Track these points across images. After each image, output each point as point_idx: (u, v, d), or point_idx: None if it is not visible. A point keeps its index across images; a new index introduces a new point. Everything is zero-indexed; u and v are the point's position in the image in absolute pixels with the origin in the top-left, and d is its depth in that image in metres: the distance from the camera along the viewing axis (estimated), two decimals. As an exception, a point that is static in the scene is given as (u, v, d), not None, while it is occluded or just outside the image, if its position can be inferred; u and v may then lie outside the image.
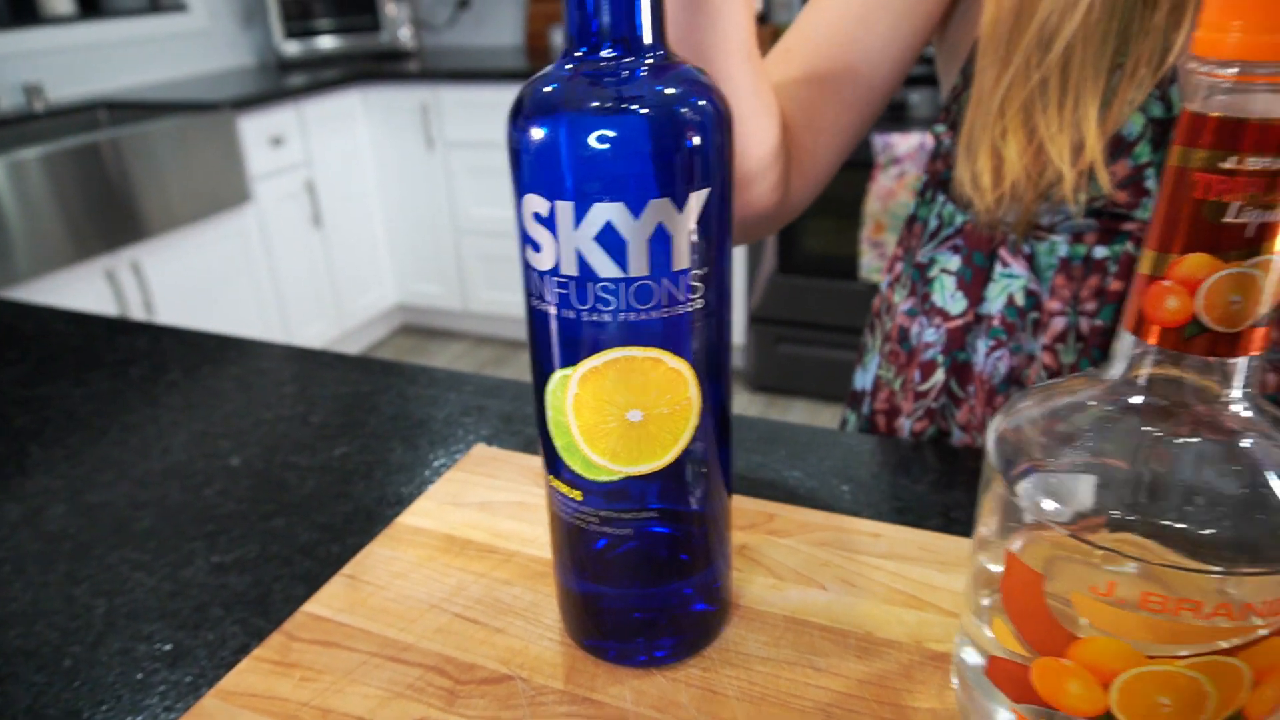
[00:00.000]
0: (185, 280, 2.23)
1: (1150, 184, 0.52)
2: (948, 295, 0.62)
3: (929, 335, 0.64)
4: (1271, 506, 0.27)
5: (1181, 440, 0.28)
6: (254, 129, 2.34)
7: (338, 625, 0.42)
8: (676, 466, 0.34)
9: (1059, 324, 0.56)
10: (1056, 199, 0.52)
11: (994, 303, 0.59)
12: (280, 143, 2.43)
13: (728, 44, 0.49)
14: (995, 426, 0.31)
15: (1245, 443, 0.28)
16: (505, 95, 2.44)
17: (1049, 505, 0.28)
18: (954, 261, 0.62)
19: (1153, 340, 0.27)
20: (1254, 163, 0.24)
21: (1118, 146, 0.51)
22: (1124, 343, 0.28)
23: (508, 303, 2.72)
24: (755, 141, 0.53)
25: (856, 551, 0.46)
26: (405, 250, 2.82)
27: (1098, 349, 0.55)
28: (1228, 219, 0.25)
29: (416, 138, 2.61)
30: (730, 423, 0.38)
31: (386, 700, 0.38)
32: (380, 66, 2.69)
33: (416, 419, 0.63)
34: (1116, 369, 0.29)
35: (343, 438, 0.61)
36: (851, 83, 0.59)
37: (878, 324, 0.73)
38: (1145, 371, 0.28)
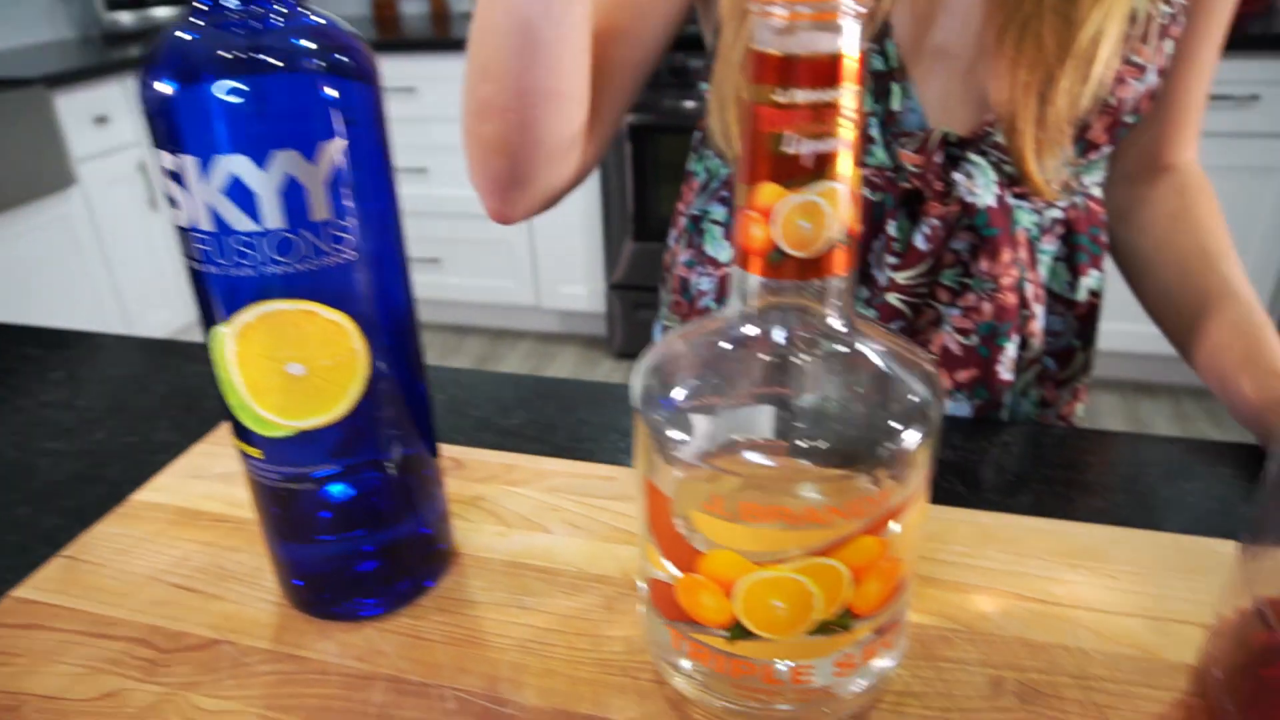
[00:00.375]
0: (2, 272, 2.09)
1: (874, 132, 0.55)
2: (717, 244, 0.65)
3: (704, 284, 0.66)
4: (856, 414, 0.29)
5: (790, 360, 0.30)
6: (74, 107, 2.20)
7: (46, 607, 0.41)
8: (353, 420, 0.35)
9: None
10: None
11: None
12: (106, 122, 2.29)
13: (575, 31, 0.50)
14: (638, 367, 0.33)
15: (843, 358, 0.30)
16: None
17: (674, 435, 0.30)
18: (721, 212, 0.64)
19: (750, 269, 0.29)
20: (804, 96, 0.26)
21: None
22: (735, 276, 0.30)
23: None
24: (567, 119, 0.54)
25: (588, 495, 0.47)
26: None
27: None
28: (787, 149, 0.26)
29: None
30: (422, 373, 0.38)
31: (82, 676, 0.37)
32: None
33: (188, 398, 0.61)
34: (734, 303, 0.30)
35: (107, 421, 0.59)
36: (629, 43, 0.60)
37: (667, 277, 0.75)
38: (754, 302, 0.30)
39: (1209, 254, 0.58)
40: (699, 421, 0.30)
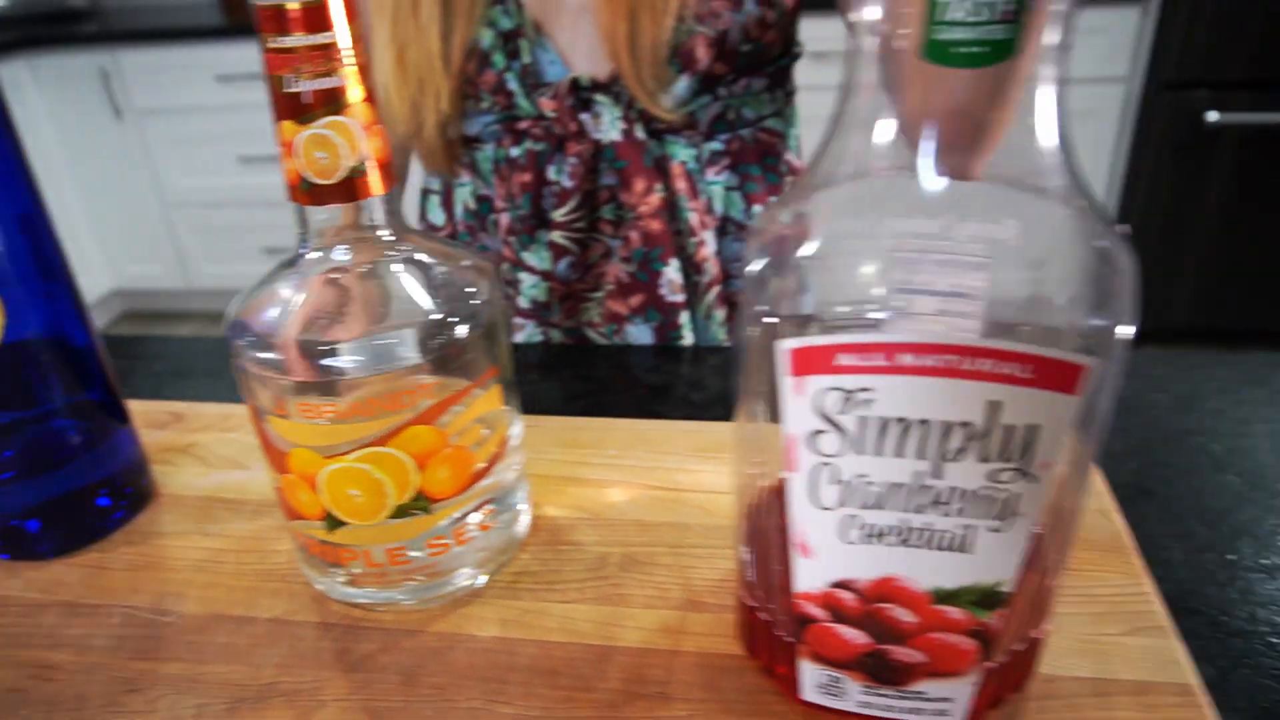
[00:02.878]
0: None
1: (513, 86, 0.59)
2: (435, 211, 0.69)
3: None
4: (406, 313, 0.33)
5: (348, 273, 0.34)
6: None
7: None
8: (-3, 368, 0.38)
9: (504, 220, 0.63)
10: (445, 113, 0.59)
11: (456, 209, 0.65)
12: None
13: None
14: (230, 305, 0.36)
15: (394, 266, 0.34)
16: (200, 57, 2.32)
17: (248, 353, 0.33)
18: (435, 182, 0.69)
19: (295, 200, 0.33)
20: (289, 41, 0.30)
21: (481, 59, 0.58)
22: (294, 210, 0.34)
23: (235, 275, 2.61)
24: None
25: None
26: (112, 232, 2.65)
27: (526, 235, 0.62)
28: (291, 89, 0.30)
29: (102, 108, 2.43)
30: (86, 330, 0.41)
31: None
32: (50, 29, 2.48)
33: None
34: (299, 232, 0.34)
35: None
36: None
37: None
38: (313, 228, 0.34)
39: None
40: (269, 337, 0.34)
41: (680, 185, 0.61)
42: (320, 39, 0.30)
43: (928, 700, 0.30)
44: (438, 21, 0.55)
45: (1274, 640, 0.35)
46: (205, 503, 0.46)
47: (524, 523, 0.41)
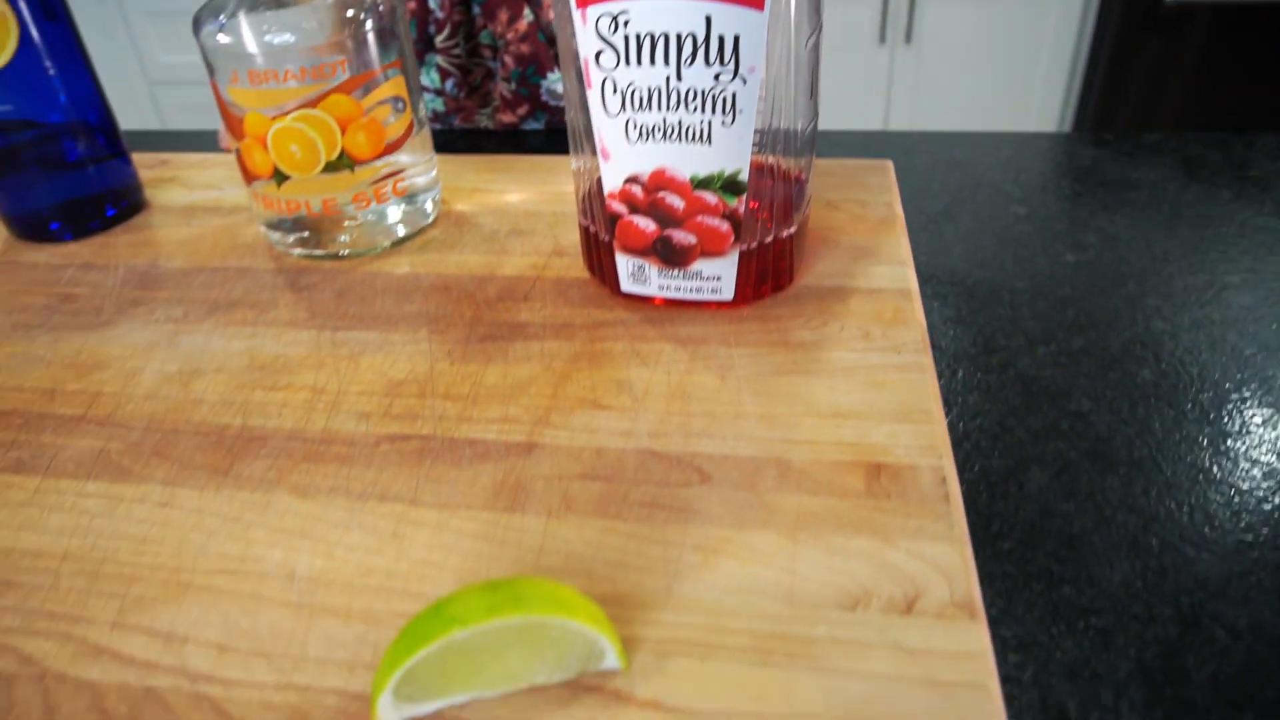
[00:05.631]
0: None
1: None
2: None
3: None
4: (321, 7, 0.44)
5: (283, -15, 0.45)
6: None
7: None
8: (12, 71, 0.49)
9: (438, 2, 0.72)
10: None
11: None
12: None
13: None
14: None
15: (319, -19, 0.45)
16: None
17: (210, 38, 0.44)
18: None
19: (242, -84, 0.43)
20: None
21: None
22: (242, -75, 0.44)
23: (224, 146, 2.68)
24: None
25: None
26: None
27: (417, 58, 0.72)
28: None
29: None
30: (78, 51, 0.52)
31: None
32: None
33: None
34: (251, -53, 0.45)
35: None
36: None
37: None
38: (258, -57, 0.44)
39: None
40: (219, 26, 0.45)
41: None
42: None
43: (704, 279, 0.42)
44: None
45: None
46: (188, 209, 0.57)
47: (434, 209, 0.53)
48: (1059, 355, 0.46)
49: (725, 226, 0.40)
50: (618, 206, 0.41)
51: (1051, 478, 0.40)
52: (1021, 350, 0.47)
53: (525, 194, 0.56)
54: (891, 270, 0.46)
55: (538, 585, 0.26)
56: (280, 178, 0.46)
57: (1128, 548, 0.36)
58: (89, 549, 0.33)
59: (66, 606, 0.31)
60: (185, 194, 0.59)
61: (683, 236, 0.41)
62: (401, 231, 0.50)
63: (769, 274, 0.43)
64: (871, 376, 0.39)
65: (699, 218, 0.40)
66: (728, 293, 0.43)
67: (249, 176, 0.48)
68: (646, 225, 0.41)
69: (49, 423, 0.39)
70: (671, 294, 0.43)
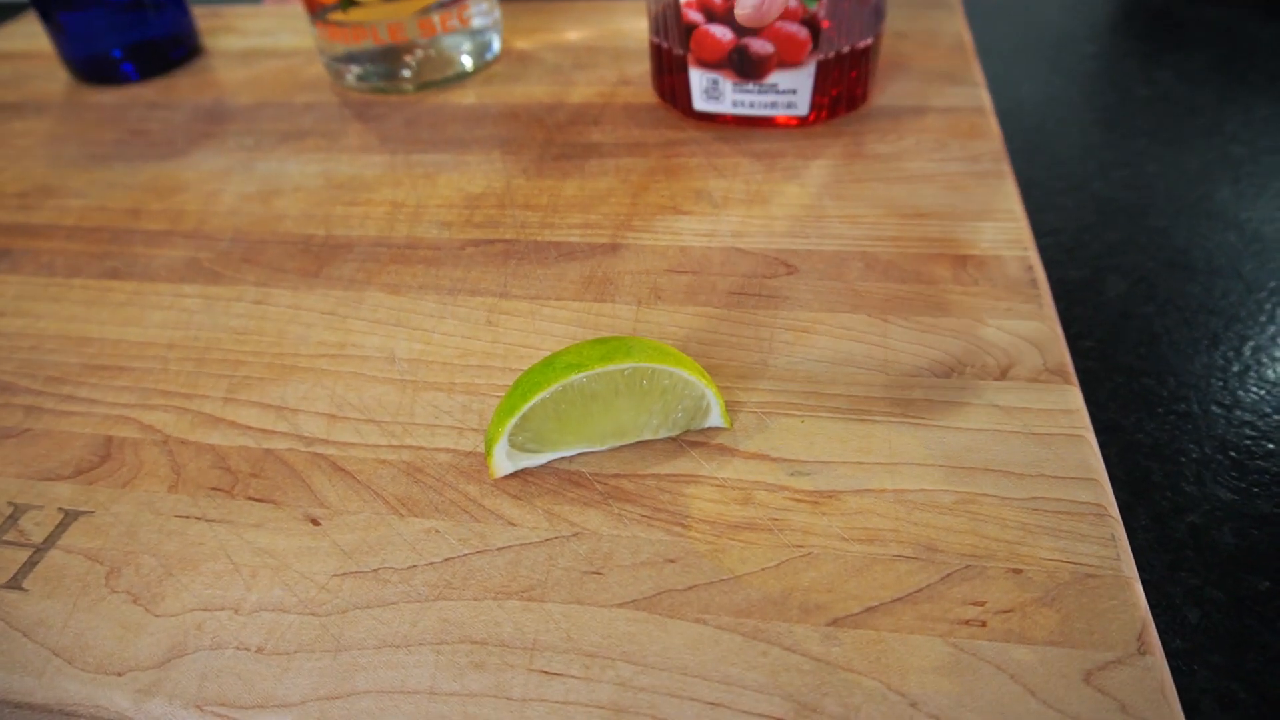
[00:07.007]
0: None
1: None
2: None
3: None
4: None
5: None
6: None
7: (-105, 100, 0.55)
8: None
9: None
10: None
11: None
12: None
13: None
14: None
15: None
16: None
17: None
18: None
19: None
20: None
21: None
22: None
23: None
24: None
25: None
26: None
27: None
28: None
29: None
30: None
31: (-76, 122, 0.52)
32: None
33: None
34: None
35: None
36: None
37: None
38: None
39: None
40: None
41: None
42: None
43: (779, 93, 0.42)
44: None
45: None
46: (246, 53, 0.57)
47: (496, 45, 0.52)
48: (1134, 178, 0.46)
49: (804, 33, 0.40)
50: (694, 15, 0.40)
51: (1130, 285, 0.39)
52: (1094, 174, 0.46)
53: (585, 31, 0.55)
54: (965, 90, 0.45)
55: (646, 341, 0.27)
56: (348, 3, 0.46)
57: (1208, 344, 0.36)
58: (192, 339, 0.34)
59: (178, 386, 0.32)
60: (241, 40, 0.59)
61: (760, 45, 0.40)
62: (468, 64, 0.50)
63: (844, 89, 0.43)
64: (951, 182, 0.38)
65: (777, 23, 0.40)
66: (803, 107, 0.42)
67: (314, 6, 0.47)
68: (723, 34, 0.40)
69: (138, 237, 0.40)
70: (745, 110, 0.43)
